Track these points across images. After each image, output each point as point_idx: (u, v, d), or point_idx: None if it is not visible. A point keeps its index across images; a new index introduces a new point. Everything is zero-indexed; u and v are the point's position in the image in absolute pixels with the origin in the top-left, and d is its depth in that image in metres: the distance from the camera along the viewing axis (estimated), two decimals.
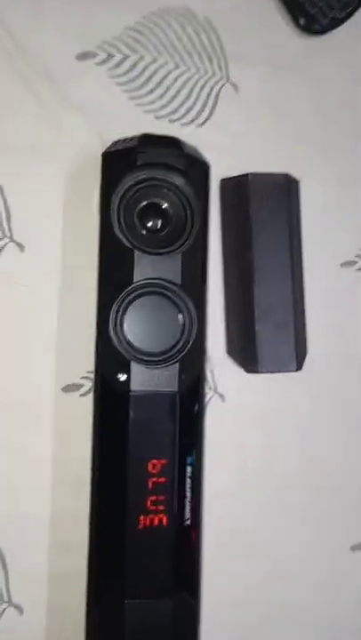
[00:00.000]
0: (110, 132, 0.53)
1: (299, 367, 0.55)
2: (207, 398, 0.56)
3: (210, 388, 0.57)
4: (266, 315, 0.54)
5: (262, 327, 0.54)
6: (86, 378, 0.55)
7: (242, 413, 0.58)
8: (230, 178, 0.57)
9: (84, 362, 0.52)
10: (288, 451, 0.59)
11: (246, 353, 0.55)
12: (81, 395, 0.55)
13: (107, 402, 0.50)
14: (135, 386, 0.49)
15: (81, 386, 0.55)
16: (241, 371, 0.56)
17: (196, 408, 0.51)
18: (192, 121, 0.59)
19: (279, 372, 0.55)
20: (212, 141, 0.56)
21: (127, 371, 0.49)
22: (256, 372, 0.54)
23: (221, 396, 0.58)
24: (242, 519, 0.58)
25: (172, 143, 0.51)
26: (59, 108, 0.56)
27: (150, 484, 0.48)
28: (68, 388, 0.55)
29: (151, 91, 0.58)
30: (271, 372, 0.55)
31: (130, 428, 0.48)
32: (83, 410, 0.52)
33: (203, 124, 0.59)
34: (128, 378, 0.49)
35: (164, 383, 0.49)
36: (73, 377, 0.55)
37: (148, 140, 0.50)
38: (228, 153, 0.57)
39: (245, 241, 0.54)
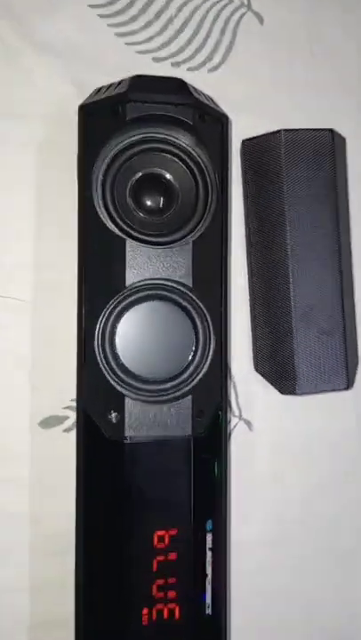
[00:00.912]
0: (94, 80, 0.47)
1: (349, 385, 0.51)
2: (230, 427, 0.51)
3: (233, 414, 0.52)
4: (306, 319, 0.50)
5: (302, 335, 0.50)
6: (70, 408, 0.49)
7: (275, 445, 0.53)
8: (256, 137, 0.51)
9: (67, 387, 0.47)
10: (337, 491, 0.54)
11: (281, 369, 0.51)
12: (64, 430, 0.49)
13: (94, 451, 0.43)
14: (132, 430, 0.41)
15: (65, 418, 0.49)
16: (273, 391, 0.51)
17: (218, 456, 0.44)
18: (203, 64, 0.53)
19: (324, 391, 0.51)
20: (230, 90, 0.51)
21: (120, 408, 0.41)
22: (294, 392, 0.50)
23: (248, 423, 0.52)
24: (279, 589, 0.52)
25: (175, 87, 0.44)
26: (26, 51, 0.50)
27: (155, 564, 0.41)
28: (48, 422, 0.49)
29: (147, 24, 0.52)
30: (314, 393, 0.51)
31: (126, 487, 0.41)
32: (67, 450, 0.46)
33: (217, 67, 0.53)
34: (122, 418, 0.41)
35: (171, 424, 0.42)
36: (53, 407, 0.49)
37: (141, 84, 0.43)
38: (250, 105, 0.52)
39: (278, 220, 0.50)
